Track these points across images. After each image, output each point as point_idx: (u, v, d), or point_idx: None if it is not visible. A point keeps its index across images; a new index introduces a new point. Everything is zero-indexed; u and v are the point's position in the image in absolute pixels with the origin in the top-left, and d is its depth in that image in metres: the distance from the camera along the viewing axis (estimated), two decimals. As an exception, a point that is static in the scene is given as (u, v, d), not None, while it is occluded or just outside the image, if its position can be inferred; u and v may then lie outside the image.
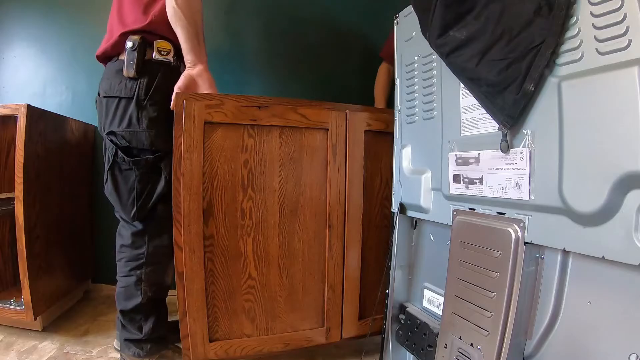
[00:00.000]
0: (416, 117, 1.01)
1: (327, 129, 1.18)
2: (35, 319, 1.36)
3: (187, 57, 1.08)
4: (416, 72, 1.00)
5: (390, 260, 1.10)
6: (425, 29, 0.83)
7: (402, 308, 1.09)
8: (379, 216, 1.30)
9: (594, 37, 0.58)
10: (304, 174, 1.18)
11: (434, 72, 0.93)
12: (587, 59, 0.60)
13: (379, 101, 1.85)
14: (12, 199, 1.37)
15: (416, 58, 1.00)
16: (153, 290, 1.17)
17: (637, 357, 0.56)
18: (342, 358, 1.34)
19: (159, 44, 1.13)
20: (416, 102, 1.01)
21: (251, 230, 1.12)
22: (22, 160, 1.30)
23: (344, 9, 1.98)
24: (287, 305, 1.18)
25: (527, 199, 0.70)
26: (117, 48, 1.14)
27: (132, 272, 1.16)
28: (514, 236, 0.71)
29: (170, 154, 1.06)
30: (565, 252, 0.68)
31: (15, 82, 1.89)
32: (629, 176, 0.54)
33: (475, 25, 0.72)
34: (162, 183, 1.14)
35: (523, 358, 0.75)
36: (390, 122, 1.23)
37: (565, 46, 0.63)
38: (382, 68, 1.87)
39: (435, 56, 0.91)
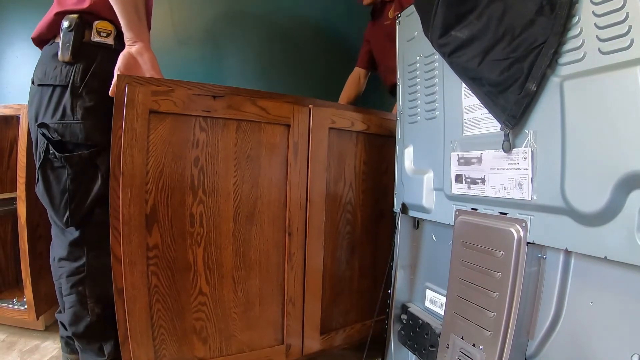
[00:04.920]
0: (418, 117, 1.01)
1: (289, 125, 1.06)
2: (37, 319, 1.36)
3: (126, 33, 0.96)
4: (418, 72, 1.00)
5: (392, 260, 1.10)
6: (427, 29, 0.83)
7: (404, 308, 1.09)
8: (342, 222, 1.21)
9: (596, 36, 0.58)
10: (261, 174, 1.05)
11: (436, 72, 0.93)
12: (590, 58, 0.60)
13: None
14: (14, 199, 1.38)
15: (418, 58, 1.00)
16: (101, 307, 1.02)
17: (640, 357, 0.56)
18: (343, 358, 1.34)
19: (99, 24, 1.00)
20: (418, 102, 1.01)
21: (202, 239, 0.98)
22: (25, 160, 1.30)
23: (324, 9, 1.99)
24: (242, 322, 1.06)
25: (530, 199, 0.70)
26: (52, 29, 1.01)
27: (73, 289, 1.01)
28: (516, 236, 0.71)
29: (108, 149, 0.93)
30: (568, 252, 0.67)
31: (17, 82, 1.89)
32: (632, 176, 0.54)
33: (477, 25, 0.72)
34: (98, 182, 1.00)
35: (525, 358, 0.75)
36: (356, 120, 1.18)
37: (568, 46, 0.63)
38: (354, 74, 1.91)
39: (437, 56, 0.91)
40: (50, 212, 1.02)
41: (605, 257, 0.58)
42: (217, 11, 1.85)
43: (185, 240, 0.96)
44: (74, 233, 1.01)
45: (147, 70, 0.97)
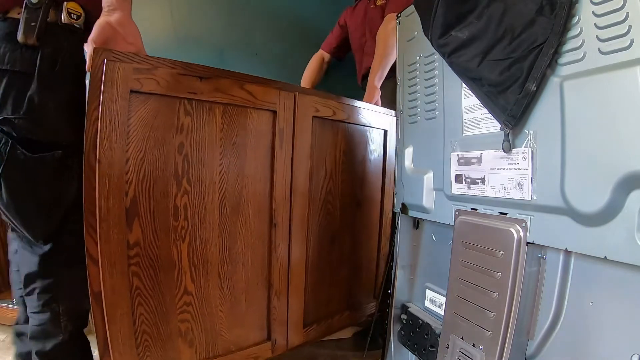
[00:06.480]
0: (418, 117, 1.01)
1: (275, 111, 1.02)
2: (37, 319, 1.36)
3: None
4: (418, 72, 1.00)
5: (392, 260, 1.10)
6: (427, 29, 0.83)
7: (404, 308, 1.09)
8: (323, 212, 1.19)
9: (596, 36, 0.58)
10: (247, 163, 0.99)
11: (436, 72, 0.93)
12: (589, 58, 0.60)
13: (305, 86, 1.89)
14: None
15: (418, 58, 1.00)
16: (73, 324, 0.92)
17: (640, 357, 0.56)
18: (344, 359, 1.34)
19: (70, 4, 0.86)
20: (418, 102, 1.00)
21: (186, 233, 0.90)
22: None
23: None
24: (229, 320, 1.00)
25: (529, 199, 0.70)
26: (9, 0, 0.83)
27: (46, 308, 0.89)
28: (516, 236, 0.71)
29: (82, 147, 0.81)
30: (567, 253, 0.67)
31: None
32: (631, 176, 0.54)
33: (477, 25, 0.72)
34: (73, 186, 0.87)
35: (525, 358, 0.75)
36: (337, 109, 1.17)
37: (567, 46, 0.63)
38: (317, 56, 1.90)
39: (437, 56, 0.91)
40: (17, 225, 0.86)
41: (605, 257, 0.58)
42: (218, 11, 1.85)
43: (169, 235, 0.88)
44: (44, 246, 0.88)
45: (131, 44, 0.84)
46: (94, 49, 0.77)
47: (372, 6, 1.69)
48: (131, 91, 0.80)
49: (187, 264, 0.92)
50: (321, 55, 1.90)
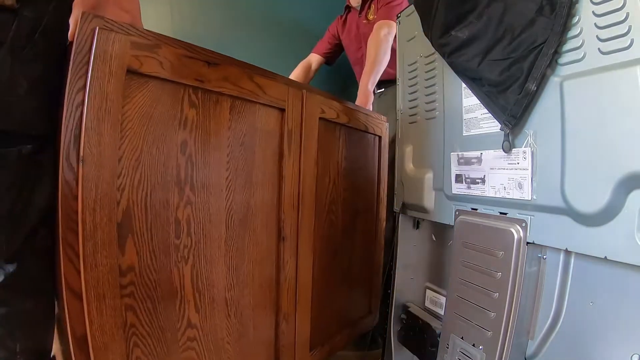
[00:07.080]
0: (418, 117, 1.01)
1: (284, 109, 0.90)
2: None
3: None
4: (418, 72, 1.00)
5: (392, 261, 1.10)
6: (427, 29, 0.83)
7: (404, 308, 1.09)
8: (326, 223, 1.08)
9: (596, 36, 0.58)
10: (255, 167, 0.85)
11: (436, 71, 0.93)
12: (589, 58, 0.60)
13: None
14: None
15: (418, 58, 1.00)
16: None
17: (640, 357, 0.56)
18: (344, 358, 1.34)
19: None
20: (418, 101, 1.01)
21: (189, 252, 0.73)
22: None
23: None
24: (236, 351, 0.85)
25: (529, 199, 0.70)
26: None
27: None
28: (516, 236, 0.71)
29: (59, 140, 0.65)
30: (568, 253, 0.67)
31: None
32: (632, 176, 0.54)
33: (477, 25, 0.72)
34: (45, 190, 0.64)
35: (525, 358, 0.75)
36: (340, 112, 1.10)
37: (567, 46, 0.63)
38: (303, 63, 1.89)
39: (437, 56, 0.91)
40: None
41: (605, 257, 0.57)
42: (218, 11, 1.85)
43: (169, 256, 0.70)
44: (7, 266, 0.65)
45: (126, 12, 0.70)
46: (82, 13, 0.59)
47: (364, 21, 1.68)
48: (128, 70, 0.62)
49: (191, 290, 0.74)
50: (308, 61, 1.88)
